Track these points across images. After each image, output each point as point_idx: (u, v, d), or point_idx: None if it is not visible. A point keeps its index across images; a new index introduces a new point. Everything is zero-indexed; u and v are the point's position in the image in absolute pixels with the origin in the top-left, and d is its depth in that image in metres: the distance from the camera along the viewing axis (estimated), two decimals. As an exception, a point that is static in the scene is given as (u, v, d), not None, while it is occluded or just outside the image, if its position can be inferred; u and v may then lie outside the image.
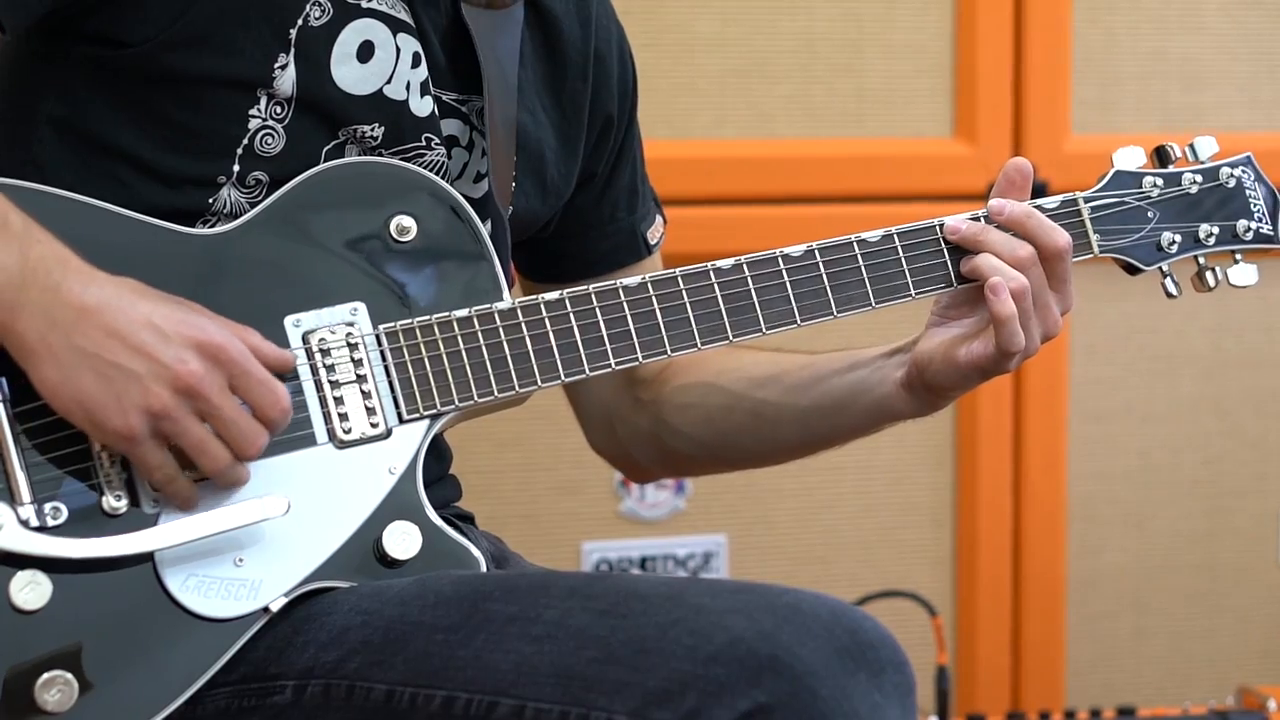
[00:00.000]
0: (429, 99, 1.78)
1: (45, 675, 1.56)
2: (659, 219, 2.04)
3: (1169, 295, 1.90)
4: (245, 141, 1.70)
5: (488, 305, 1.71)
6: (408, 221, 1.72)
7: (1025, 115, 3.04)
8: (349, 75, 1.73)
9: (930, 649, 2.85)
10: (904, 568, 3.06)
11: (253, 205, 1.71)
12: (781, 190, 3.01)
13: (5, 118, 1.73)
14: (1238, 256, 1.92)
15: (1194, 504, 3.17)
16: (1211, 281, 1.91)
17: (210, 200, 1.71)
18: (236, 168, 1.70)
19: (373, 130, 1.74)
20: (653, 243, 2.03)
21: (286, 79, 1.70)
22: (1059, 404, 3.09)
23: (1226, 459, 3.17)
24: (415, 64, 1.77)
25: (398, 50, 1.75)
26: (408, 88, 1.76)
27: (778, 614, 1.54)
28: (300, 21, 1.70)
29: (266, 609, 1.64)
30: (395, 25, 1.75)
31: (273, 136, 1.71)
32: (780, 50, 3.00)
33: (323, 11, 1.71)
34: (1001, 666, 3.11)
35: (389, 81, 1.75)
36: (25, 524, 1.57)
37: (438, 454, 1.83)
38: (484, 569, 1.71)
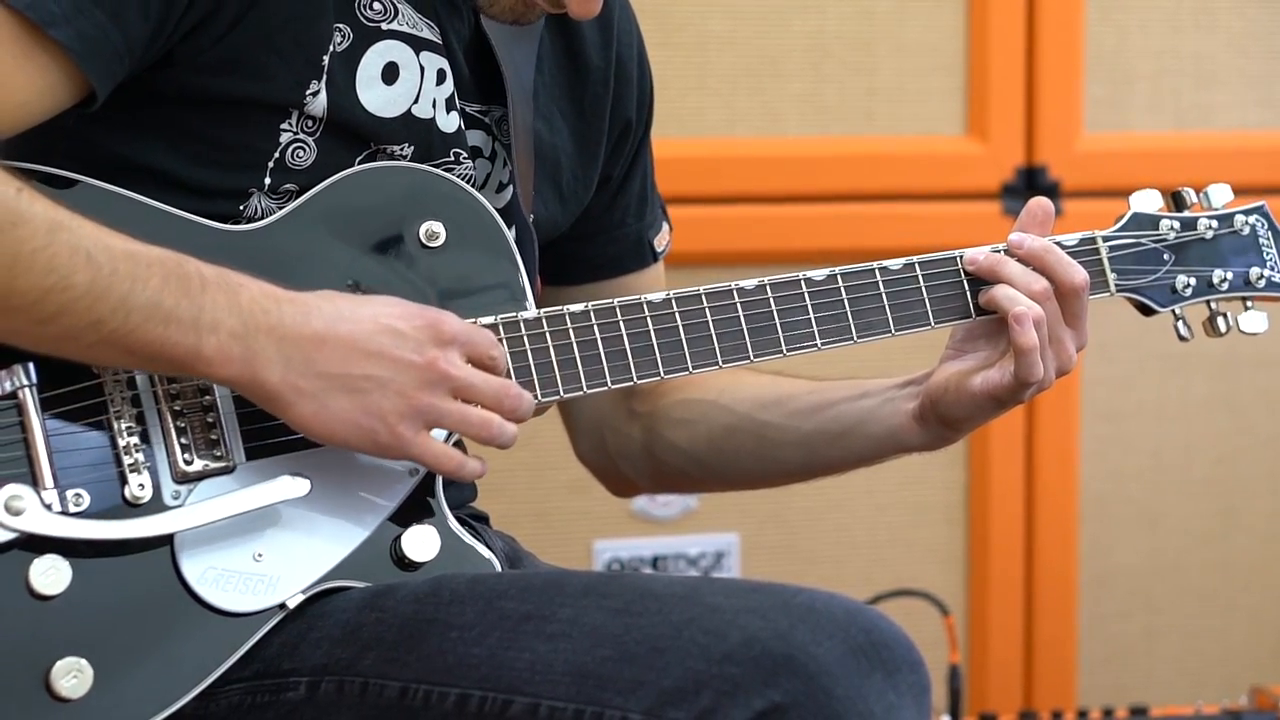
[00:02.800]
0: (455, 114, 1.78)
1: (61, 661, 1.57)
2: (666, 227, 2.05)
3: (1181, 338, 1.93)
4: (276, 155, 1.71)
5: (513, 314, 1.72)
6: (437, 227, 1.72)
7: (1037, 113, 3.03)
8: (376, 98, 1.73)
9: (942, 648, 2.84)
10: (916, 567, 3.06)
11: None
12: (793, 189, 3.01)
13: (24, 134, 1.73)
14: (1249, 303, 1.95)
15: (1206, 503, 3.16)
16: (1223, 327, 1.94)
17: (241, 208, 1.71)
18: (268, 180, 1.71)
19: (402, 150, 1.75)
20: (659, 250, 2.03)
21: (318, 104, 1.70)
22: (1071, 403, 3.08)
23: (1239, 458, 3.16)
24: (440, 80, 1.77)
25: (422, 69, 1.75)
26: (434, 105, 1.76)
27: (793, 613, 1.54)
28: (330, 48, 1.70)
29: (283, 605, 1.64)
30: (418, 44, 1.75)
31: (304, 150, 1.71)
32: (792, 49, 2.99)
33: (344, 37, 1.71)
34: (1014, 665, 3.10)
35: (416, 101, 1.75)
36: (48, 508, 1.58)
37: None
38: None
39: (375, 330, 1.60)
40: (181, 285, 1.56)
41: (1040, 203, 1.87)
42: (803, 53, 3.00)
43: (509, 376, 1.69)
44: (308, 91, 1.70)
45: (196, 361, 1.56)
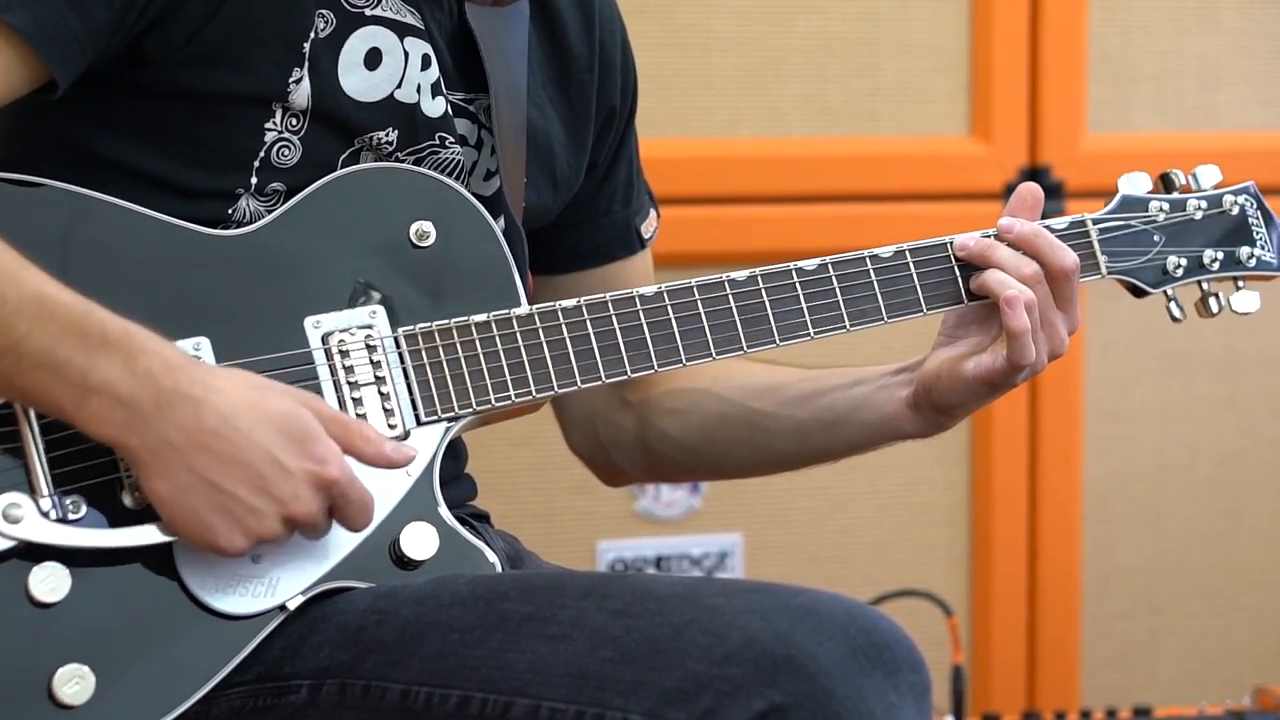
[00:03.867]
0: (441, 99, 1.78)
1: (63, 669, 1.57)
2: (653, 214, 2.05)
3: (1174, 319, 1.93)
4: (261, 154, 1.71)
5: (506, 311, 1.72)
6: (428, 227, 1.73)
7: (1041, 114, 3.03)
8: (358, 84, 1.73)
9: (946, 648, 2.85)
10: (919, 567, 3.06)
11: (271, 213, 1.71)
12: (796, 189, 3.01)
13: (11, 139, 1.73)
14: (1240, 283, 1.96)
15: (1210, 503, 3.16)
16: (1215, 307, 1.94)
17: (229, 211, 1.71)
18: (254, 180, 1.71)
19: (387, 135, 1.75)
20: (646, 237, 2.03)
21: (301, 92, 1.71)
22: (1074, 403, 3.08)
23: (1242, 458, 3.16)
24: (425, 66, 1.77)
25: (406, 54, 1.76)
26: (419, 90, 1.77)
27: (793, 614, 1.54)
28: (312, 34, 1.71)
29: (283, 607, 1.64)
30: (402, 30, 1.75)
31: (289, 148, 1.71)
32: (795, 49, 2.99)
33: (327, 23, 1.72)
34: (1017, 666, 3.10)
35: (399, 86, 1.76)
36: (45, 515, 1.58)
37: (454, 454, 1.84)
38: (499, 571, 1.72)
39: (263, 459, 1.57)
40: (80, 338, 1.54)
41: (1029, 188, 1.88)
42: (806, 53, 3.00)
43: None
44: (290, 79, 1.70)
45: (75, 417, 1.55)
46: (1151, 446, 3.14)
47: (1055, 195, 2.98)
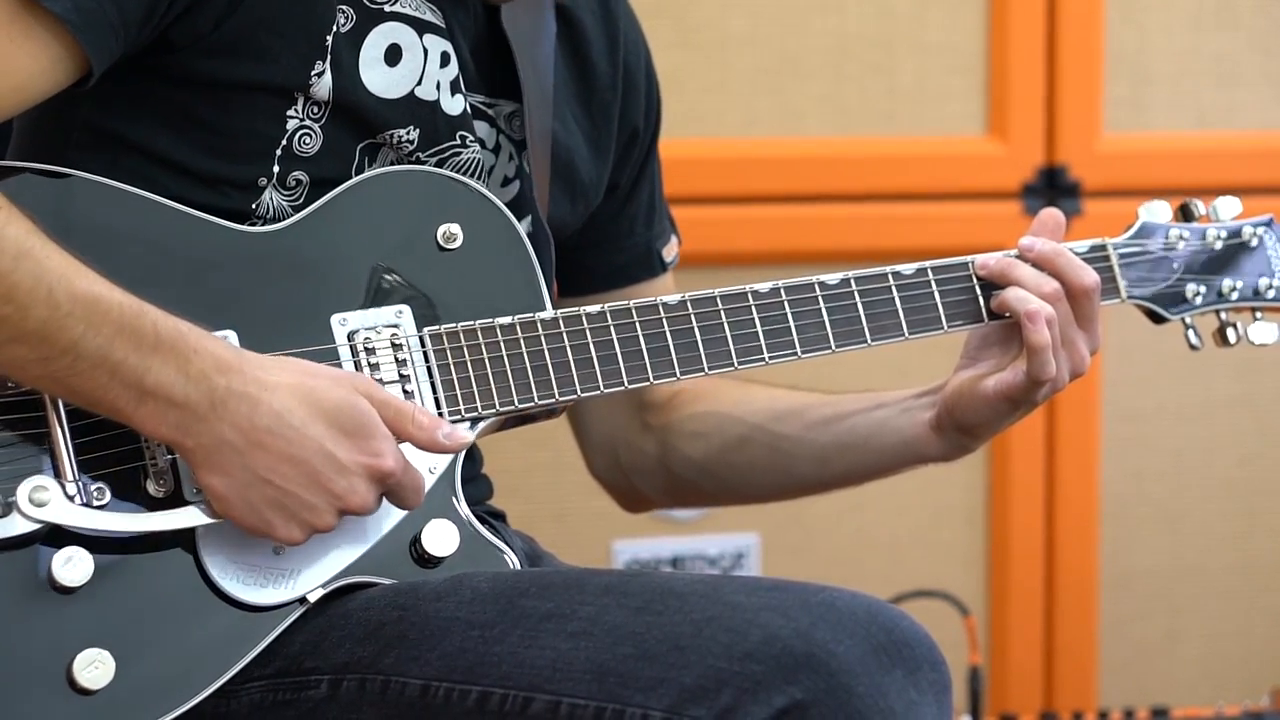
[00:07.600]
0: (460, 97, 1.79)
1: (83, 653, 1.58)
2: (674, 238, 2.07)
3: (1191, 347, 1.95)
4: (284, 142, 1.71)
5: (530, 315, 1.73)
6: (455, 229, 1.74)
7: (1058, 113, 3.03)
8: (379, 79, 1.74)
9: (963, 649, 2.84)
10: (936, 568, 3.06)
11: (295, 209, 1.72)
12: (813, 189, 3.01)
13: (38, 124, 1.73)
14: (1258, 314, 1.97)
15: (1228, 504, 3.15)
16: (1232, 338, 1.96)
17: (254, 204, 1.72)
18: (276, 169, 1.71)
19: (408, 134, 1.75)
20: (667, 260, 2.04)
21: (323, 85, 1.71)
22: (1092, 403, 3.08)
23: (1260, 458, 3.15)
24: (444, 63, 1.78)
25: (425, 51, 1.76)
26: (438, 87, 1.77)
27: (813, 611, 1.54)
28: (334, 28, 1.71)
29: (303, 599, 1.65)
30: (422, 27, 1.76)
31: (310, 136, 1.72)
32: (812, 49, 2.99)
33: (347, 18, 1.72)
34: (1034, 666, 3.10)
35: (419, 83, 1.76)
36: (71, 500, 1.59)
37: (470, 454, 1.84)
38: (519, 569, 1.72)
39: (318, 453, 1.59)
40: (134, 339, 1.55)
41: (1051, 213, 1.89)
42: (823, 53, 3.00)
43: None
44: (313, 72, 1.71)
45: (132, 417, 1.57)
46: (1169, 447, 3.13)
47: (1072, 195, 2.98)
